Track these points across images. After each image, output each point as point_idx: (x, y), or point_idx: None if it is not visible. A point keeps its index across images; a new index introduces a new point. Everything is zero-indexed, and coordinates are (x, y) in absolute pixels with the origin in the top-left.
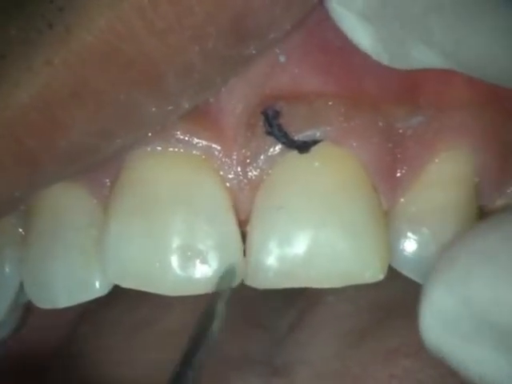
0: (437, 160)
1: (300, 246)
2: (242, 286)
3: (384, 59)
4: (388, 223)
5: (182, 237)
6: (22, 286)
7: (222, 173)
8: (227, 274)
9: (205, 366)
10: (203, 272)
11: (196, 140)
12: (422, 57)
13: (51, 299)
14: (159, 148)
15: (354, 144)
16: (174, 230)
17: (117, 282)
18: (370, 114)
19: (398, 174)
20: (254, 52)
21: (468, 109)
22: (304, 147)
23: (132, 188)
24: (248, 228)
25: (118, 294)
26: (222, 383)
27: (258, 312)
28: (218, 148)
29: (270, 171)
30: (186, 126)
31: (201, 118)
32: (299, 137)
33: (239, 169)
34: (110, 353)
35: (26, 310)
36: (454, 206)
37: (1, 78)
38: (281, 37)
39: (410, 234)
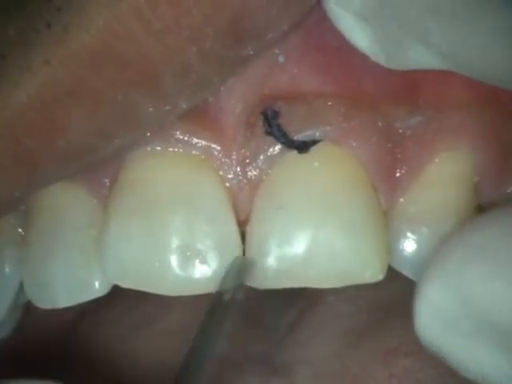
0: (436, 160)
1: (299, 245)
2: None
3: (381, 60)
4: (387, 223)
5: (182, 237)
6: (21, 286)
7: (221, 173)
8: (239, 266)
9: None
10: (203, 272)
11: (195, 140)
12: (420, 57)
13: (51, 299)
14: (159, 148)
15: (354, 144)
16: (173, 229)
17: (116, 282)
18: (369, 114)
19: (398, 174)
20: (251, 52)
21: (467, 109)
22: (303, 147)
23: (131, 188)
24: (247, 228)
25: (117, 294)
26: (221, 383)
27: (258, 312)
28: (218, 148)
29: (269, 171)
30: (186, 125)
31: (200, 117)
32: (298, 137)
33: (239, 169)
34: (109, 352)
35: (26, 310)
36: (454, 205)
37: (1, 78)
38: (279, 37)
39: (409, 234)
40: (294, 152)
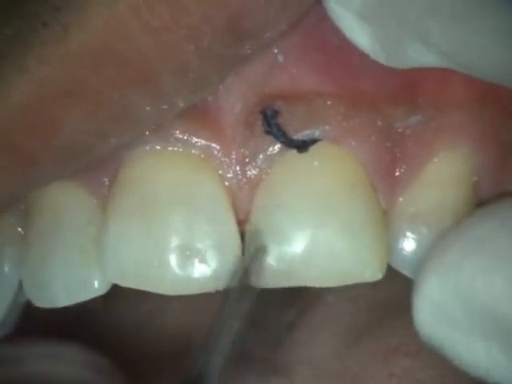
0: (436, 159)
1: (299, 244)
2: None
3: (381, 58)
4: (387, 222)
5: (181, 236)
6: (21, 286)
7: (221, 172)
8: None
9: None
10: (202, 271)
11: (195, 139)
12: (419, 56)
13: (50, 298)
14: (158, 147)
15: (353, 143)
16: (172, 229)
17: (116, 281)
18: (368, 114)
19: (397, 174)
20: (249, 51)
21: (467, 108)
22: (303, 146)
23: (131, 187)
24: (247, 227)
25: (117, 294)
26: (220, 382)
27: (258, 312)
28: (217, 147)
29: (268, 170)
30: (185, 124)
31: (199, 116)
32: (298, 136)
33: (238, 168)
34: (109, 352)
35: (25, 310)
36: (453, 205)
37: (0, 79)
38: (277, 37)
39: (408, 234)
40: (294, 151)
